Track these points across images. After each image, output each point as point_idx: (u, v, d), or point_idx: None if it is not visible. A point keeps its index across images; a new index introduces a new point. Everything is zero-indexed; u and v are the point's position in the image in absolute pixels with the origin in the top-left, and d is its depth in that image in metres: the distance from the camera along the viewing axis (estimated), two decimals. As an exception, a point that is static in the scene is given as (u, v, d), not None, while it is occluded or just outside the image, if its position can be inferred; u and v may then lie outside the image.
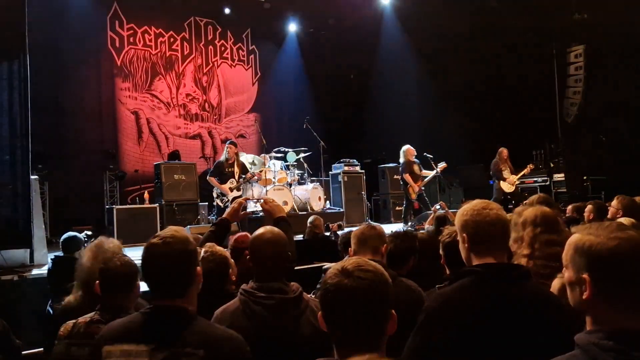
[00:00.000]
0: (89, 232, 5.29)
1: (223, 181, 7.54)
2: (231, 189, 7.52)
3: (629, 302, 1.13)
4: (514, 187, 9.16)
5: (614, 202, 4.04)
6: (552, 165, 11.39)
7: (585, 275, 1.15)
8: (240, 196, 7.72)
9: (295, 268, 3.82)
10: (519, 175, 9.18)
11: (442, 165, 8.71)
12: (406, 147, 8.92)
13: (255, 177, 7.98)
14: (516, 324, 1.55)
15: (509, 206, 9.62)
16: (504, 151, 9.08)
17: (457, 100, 11.66)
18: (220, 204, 7.58)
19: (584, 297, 1.16)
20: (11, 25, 5.49)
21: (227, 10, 11.64)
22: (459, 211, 1.82)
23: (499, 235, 1.71)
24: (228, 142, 7.97)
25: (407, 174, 8.85)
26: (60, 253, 4.03)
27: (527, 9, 10.29)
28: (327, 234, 6.30)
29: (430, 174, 8.86)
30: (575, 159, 10.73)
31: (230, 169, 7.58)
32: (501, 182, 9.04)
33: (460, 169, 11.09)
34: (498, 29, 10.74)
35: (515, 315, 1.56)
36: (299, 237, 6.69)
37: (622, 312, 1.13)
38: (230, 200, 7.46)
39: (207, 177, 7.71)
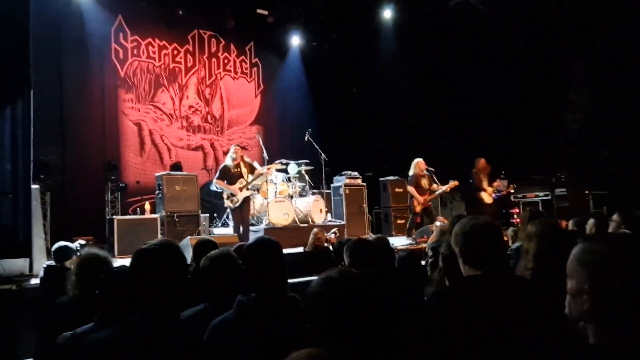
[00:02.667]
0: (82, 242, 5.28)
1: (231, 183, 7.43)
2: (240, 189, 7.41)
3: (631, 315, 1.11)
4: (491, 199, 9.16)
5: (615, 217, 4.03)
6: (554, 179, 11.39)
7: (586, 287, 1.15)
8: (250, 196, 7.60)
9: (295, 280, 3.80)
10: (493, 188, 9.20)
11: (452, 183, 8.80)
12: (417, 160, 8.96)
13: (268, 172, 7.89)
14: (502, 332, 1.56)
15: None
16: (482, 161, 9.07)
17: (459, 115, 11.68)
18: (230, 204, 7.45)
19: (584, 307, 1.15)
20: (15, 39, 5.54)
21: (228, 23, 11.72)
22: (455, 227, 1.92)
23: (488, 246, 1.78)
24: (234, 145, 7.91)
25: (412, 187, 8.88)
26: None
27: (529, 24, 10.35)
28: (326, 244, 6.27)
29: (439, 189, 8.88)
30: (578, 173, 10.72)
31: (236, 169, 7.50)
32: (481, 193, 9.04)
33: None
34: (500, 43, 10.80)
35: (501, 323, 1.57)
36: (299, 249, 6.69)
37: (625, 324, 1.11)
38: (240, 200, 7.36)
39: (214, 180, 7.60)
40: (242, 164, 7.56)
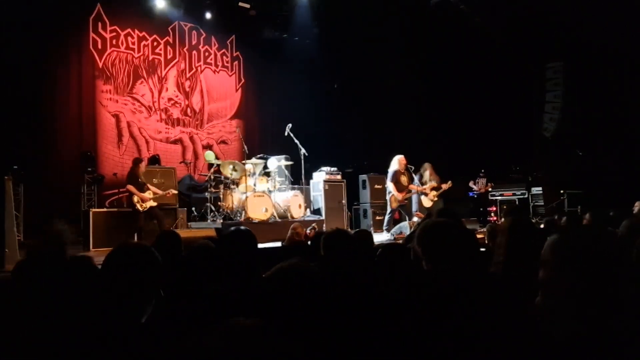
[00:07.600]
0: None
1: (141, 191, 8.00)
2: (150, 199, 8.06)
3: (588, 304, 1.14)
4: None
5: (587, 216, 4.12)
6: (530, 178, 11.60)
7: (551, 274, 1.18)
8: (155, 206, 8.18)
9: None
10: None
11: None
12: (398, 156, 8.97)
13: (168, 194, 8.57)
14: (462, 324, 1.58)
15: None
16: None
17: (438, 114, 11.79)
18: (140, 208, 7.91)
19: (548, 295, 1.18)
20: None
21: (210, 16, 11.61)
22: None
23: (446, 245, 1.83)
24: (138, 160, 8.48)
25: (392, 183, 8.90)
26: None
27: (506, 25, 10.48)
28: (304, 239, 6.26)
29: (417, 189, 8.93)
30: (553, 172, 10.92)
31: (143, 180, 8.13)
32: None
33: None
34: (479, 43, 10.92)
35: (458, 315, 1.60)
36: (278, 244, 6.67)
37: (583, 313, 1.14)
38: (148, 207, 8.01)
39: (127, 185, 8.12)
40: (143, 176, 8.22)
